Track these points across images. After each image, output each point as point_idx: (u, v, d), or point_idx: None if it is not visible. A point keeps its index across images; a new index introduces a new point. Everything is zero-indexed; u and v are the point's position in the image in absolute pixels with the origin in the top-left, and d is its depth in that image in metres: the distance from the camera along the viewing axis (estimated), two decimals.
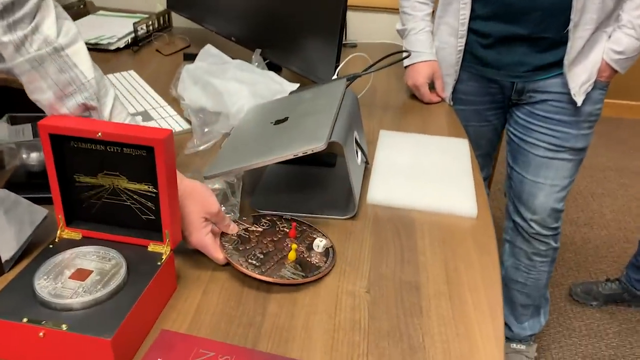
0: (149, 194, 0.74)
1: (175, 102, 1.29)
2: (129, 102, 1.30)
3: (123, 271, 0.70)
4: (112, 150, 0.72)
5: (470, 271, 0.84)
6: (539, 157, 1.38)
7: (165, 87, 1.37)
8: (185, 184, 0.79)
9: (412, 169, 1.08)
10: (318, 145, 0.84)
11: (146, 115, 1.24)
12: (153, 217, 0.75)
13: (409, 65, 1.41)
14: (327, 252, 0.86)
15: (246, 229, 0.87)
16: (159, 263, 0.73)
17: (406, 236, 0.91)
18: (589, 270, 2.15)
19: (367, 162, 1.07)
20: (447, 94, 1.43)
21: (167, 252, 0.74)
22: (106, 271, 0.70)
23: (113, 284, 0.68)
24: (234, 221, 0.86)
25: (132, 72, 1.47)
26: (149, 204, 0.74)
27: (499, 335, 0.74)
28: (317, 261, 0.83)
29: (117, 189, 0.75)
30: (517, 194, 1.45)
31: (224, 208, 0.91)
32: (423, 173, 1.07)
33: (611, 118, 3.09)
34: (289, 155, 0.86)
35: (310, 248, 0.86)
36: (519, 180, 1.44)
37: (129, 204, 0.75)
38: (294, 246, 0.82)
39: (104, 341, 0.61)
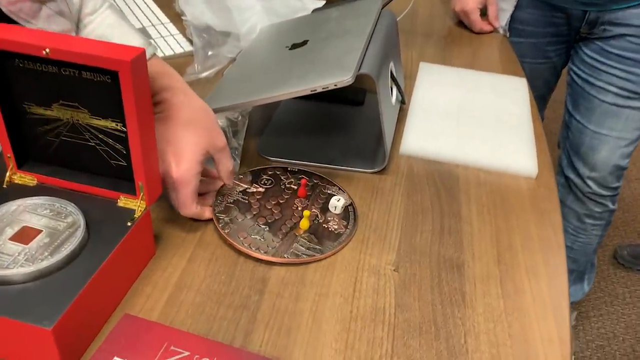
0: (118, 133, 0.56)
1: (178, 19, 1.09)
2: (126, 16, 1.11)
3: (80, 233, 0.54)
4: (67, 73, 0.54)
5: (529, 249, 0.66)
6: (606, 104, 1.16)
7: (169, 1, 1.17)
8: (194, 105, 0.64)
9: (458, 112, 0.88)
10: (344, 79, 0.64)
11: (143, 33, 1.05)
12: (124, 163, 0.58)
13: None
14: (346, 212, 0.68)
15: (244, 191, 0.69)
16: (129, 223, 0.56)
17: (448, 199, 0.73)
18: (638, 230, 1.95)
19: (403, 102, 0.87)
20: (502, 22, 1.19)
21: (142, 209, 0.58)
22: (59, 232, 0.54)
23: (65, 250, 0.52)
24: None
25: None
26: (118, 146, 0.57)
27: (564, 338, 0.57)
28: (335, 227, 0.66)
29: (78, 125, 0.57)
30: (575, 146, 1.24)
31: None
32: (471, 118, 0.87)
33: None
34: (305, 90, 0.67)
35: (325, 209, 0.68)
36: (579, 130, 1.22)
37: (93, 144, 0.58)
38: (307, 213, 0.64)
39: (43, 331, 0.46)
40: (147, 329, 0.50)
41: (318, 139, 0.81)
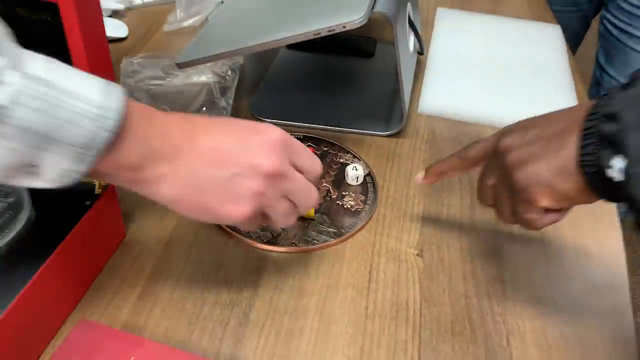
0: None
1: None
2: None
3: (24, 215, 0.43)
4: None
5: (578, 228, 0.55)
6: None
7: None
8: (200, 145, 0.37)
9: (485, 65, 0.76)
10: (354, 19, 0.52)
11: None
12: None
13: None
14: (363, 185, 0.57)
15: None
16: (87, 202, 0.45)
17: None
18: None
19: (421, 52, 0.75)
20: None
21: (103, 185, 0.46)
22: None
23: (4, 238, 0.41)
24: None
25: None
26: None
27: (629, 337, 0.46)
28: (352, 203, 0.55)
29: None
30: None
31: (206, 113, 0.61)
32: (501, 72, 0.74)
33: None
34: (308, 33, 0.54)
35: (339, 182, 0.57)
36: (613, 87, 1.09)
37: None
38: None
39: None
40: (108, 338, 0.39)
41: (321, 96, 0.69)
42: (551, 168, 0.37)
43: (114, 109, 0.32)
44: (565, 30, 1.14)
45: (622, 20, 1.05)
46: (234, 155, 0.37)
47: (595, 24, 1.18)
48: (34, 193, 0.45)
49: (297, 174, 0.40)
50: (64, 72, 0.32)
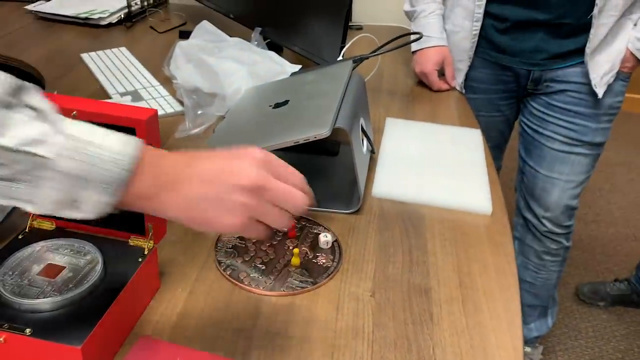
0: None
1: (167, 82, 1.21)
2: (119, 81, 1.22)
3: (99, 268, 0.62)
4: None
5: (486, 275, 0.77)
6: (554, 151, 1.30)
7: (158, 66, 1.29)
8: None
9: (422, 160, 1.00)
10: (322, 132, 0.75)
11: (136, 95, 1.16)
12: None
13: (417, 51, 1.33)
14: (332, 248, 0.78)
15: (241, 237, 0.79)
16: (139, 259, 0.65)
17: (415, 234, 0.83)
18: (597, 269, 2.08)
19: (372, 151, 0.99)
20: (459, 81, 1.34)
21: (150, 247, 0.66)
22: (80, 268, 0.62)
23: (87, 283, 0.60)
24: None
25: (123, 49, 1.38)
26: None
27: (517, 346, 0.66)
28: (324, 261, 0.75)
29: None
30: (530, 189, 1.37)
31: None
32: (433, 165, 0.99)
33: (620, 112, 2.99)
34: (289, 142, 0.77)
35: (314, 246, 0.78)
36: (532, 175, 1.36)
37: None
38: (296, 250, 0.74)
39: (73, 349, 0.54)
40: (162, 348, 0.58)
41: None
42: None
43: (129, 154, 0.45)
44: (493, 131, 1.42)
45: (534, 123, 1.33)
46: (219, 177, 0.47)
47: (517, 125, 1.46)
48: (103, 253, 0.64)
49: (279, 183, 0.48)
50: (92, 130, 0.45)
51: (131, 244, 0.67)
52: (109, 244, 0.66)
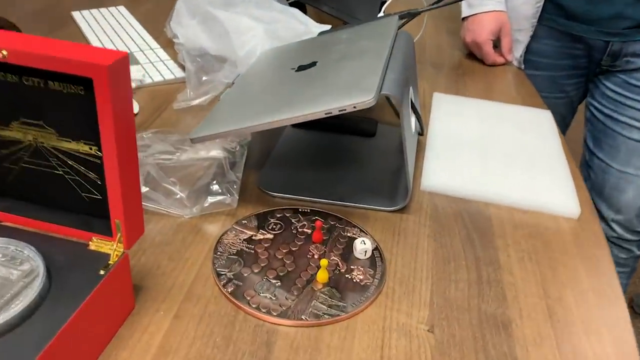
0: (91, 159, 0.45)
1: (169, 46, 1.00)
2: (112, 42, 1.02)
3: (38, 284, 0.42)
4: (30, 83, 0.43)
5: (583, 302, 0.56)
6: (632, 141, 1.07)
7: (160, 29, 1.08)
8: None
9: (483, 146, 0.79)
10: (365, 100, 0.54)
11: (132, 59, 0.96)
12: (98, 197, 0.47)
13: (469, 17, 1.11)
14: (373, 259, 0.57)
15: (249, 239, 0.58)
16: (102, 272, 0.45)
17: (482, 243, 0.62)
18: None
19: (420, 133, 0.78)
20: (517, 54, 1.12)
21: (118, 253, 0.46)
22: (10, 282, 0.42)
23: (16, 307, 0.41)
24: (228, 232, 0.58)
25: (122, 7, 1.18)
26: (92, 175, 0.46)
27: None
28: (361, 277, 0.55)
29: (43, 149, 0.46)
30: (598, 187, 1.15)
31: (217, 186, 0.62)
32: (497, 152, 0.77)
33: None
34: (318, 113, 0.57)
35: (347, 256, 0.57)
36: (602, 170, 1.13)
37: (61, 173, 0.47)
38: (324, 262, 0.53)
39: None
40: None
41: (326, 172, 0.71)
42: None
43: None
44: (554, 115, 1.19)
45: (607, 107, 1.11)
46: None
47: (581, 107, 1.23)
48: (50, 261, 0.45)
49: None
50: None
51: (92, 248, 0.47)
52: (61, 247, 0.47)
